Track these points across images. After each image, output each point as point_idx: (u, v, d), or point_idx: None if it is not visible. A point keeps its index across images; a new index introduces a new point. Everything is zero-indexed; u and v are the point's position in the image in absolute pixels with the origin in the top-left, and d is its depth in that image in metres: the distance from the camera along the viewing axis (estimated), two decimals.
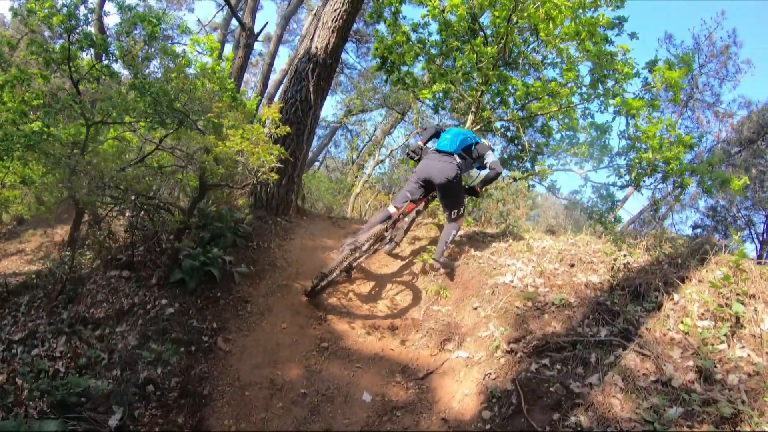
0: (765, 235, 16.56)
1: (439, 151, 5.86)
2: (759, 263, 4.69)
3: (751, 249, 16.41)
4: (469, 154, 5.98)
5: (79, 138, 6.31)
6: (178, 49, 7.01)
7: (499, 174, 6.12)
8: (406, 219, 6.04)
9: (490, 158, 6.06)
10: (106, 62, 6.35)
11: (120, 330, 4.80)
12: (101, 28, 11.75)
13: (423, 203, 6.13)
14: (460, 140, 5.90)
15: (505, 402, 3.87)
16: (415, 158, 6.12)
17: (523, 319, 4.69)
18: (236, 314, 5.13)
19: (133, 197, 5.22)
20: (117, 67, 6.56)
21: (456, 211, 5.89)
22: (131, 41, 6.42)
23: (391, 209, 5.81)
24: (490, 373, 4.26)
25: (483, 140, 6.20)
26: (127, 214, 5.83)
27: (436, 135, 6.24)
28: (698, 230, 16.60)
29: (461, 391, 4.26)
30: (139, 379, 4.09)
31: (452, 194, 5.83)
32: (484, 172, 6.31)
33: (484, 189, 6.68)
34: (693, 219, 18.40)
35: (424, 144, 6.22)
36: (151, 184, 5.58)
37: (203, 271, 5.22)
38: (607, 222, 9.01)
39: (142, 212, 5.74)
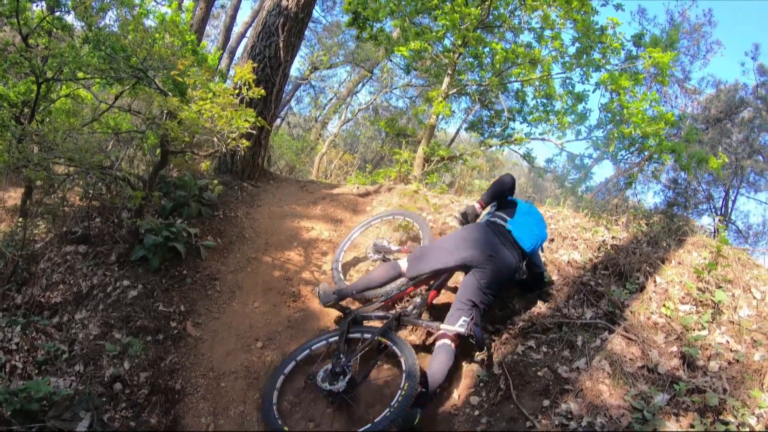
0: (723, 210, 17.10)
1: (510, 234, 4.21)
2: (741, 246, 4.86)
3: (708, 223, 17.03)
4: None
5: (30, 96, 5.81)
6: None
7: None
8: (417, 299, 4.46)
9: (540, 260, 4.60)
10: (58, 14, 5.80)
11: (80, 317, 4.42)
12: None
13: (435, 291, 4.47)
14: (541, 241, 4.39)
15: (493, 387, 3.82)
16: (462, 223, 4.53)
17: (507, 297, 4.58)
18: (205, 294, 4.82)
19: (87, 169, 4.78)
20: (70, 19, 6.02)
21: (472, 319, 3.95)
22: None
23: (402, 265, 4.34)
24: (475, 355, 4.16)
25: None
26: (81, 183, 5.39)
27: (503, 196, 4.57)
28: (673, 207, 16.93)
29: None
30: (105, 377, 3.77)
31: (490, 296, 4.11)
32: None
33: None
34: (654, 189, 18.88)
35: (484, 207, 4.57)
36: (108, 154, 5.15)
37: (167, 247, 4.84)
38: (577, 190, 9.06)
39: (99, 184, 5.32)
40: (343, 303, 4.51)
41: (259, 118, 5.42)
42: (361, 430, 3.42)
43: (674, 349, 3.82)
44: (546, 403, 3.55)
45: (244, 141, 5.04)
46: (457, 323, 3.92)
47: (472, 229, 4.25)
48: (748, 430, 3.13)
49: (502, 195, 4.51)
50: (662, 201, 17.86)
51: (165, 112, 5.06)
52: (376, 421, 3.44)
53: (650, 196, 19.69)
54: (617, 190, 16.79)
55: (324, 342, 4.18)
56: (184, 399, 3.89)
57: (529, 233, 4.20)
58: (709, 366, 3.62)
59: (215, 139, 5.00)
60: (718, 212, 17.32)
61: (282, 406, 3.86)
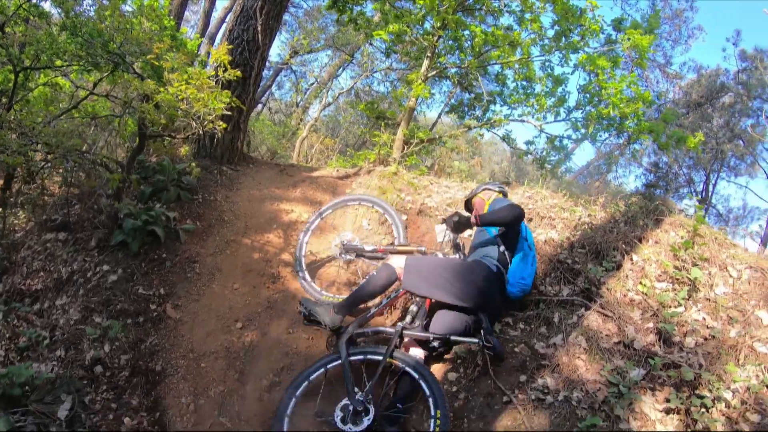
0: (704, 193, 17.38)
1: (506, 290, 4.11)
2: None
3: (689, 205, 17.31)
4: None
5: (8, 86, 5.75)
6: None
7: None
8: (413, 307, 4.18)
9: None
10: (34, 1, 5.71)
11: (60, 303, 4.45)
12: None
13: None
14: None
15: (471, 363, 3.84)
16: (453, 230, 4.23)
17: None
18: (184, 277, 4.84)
19: (65, 154, 4.77)
20: (47, 6, 5.95)
21: (483, 329, 3.69)
22: None
23: (396, 266, 3.98)
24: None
25: None
26: (61, 170, 5.38)
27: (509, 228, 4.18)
28: (653, 189, 17.19)
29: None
30: (86, 360, 3.81)
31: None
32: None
33: None
34: (636, 173, 19.17)
35: (479, 226, 4.21)
36: (85, 139, 5.12)
37: (146, 231, 4.85)
38: (557, 172, 9.16)
39: (77, 169, 5.31)
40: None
41: (234, 99, 5.45)
42: None
43: (650, 325, 3.87)
44: (523, 378, 3.60)
45: (221, 123, 5.06)
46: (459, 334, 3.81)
47: (481, 277, 3.94)
48: (724, 404, 3.17)
49: (508, 227, 4.15)
50: (643, 185, 18.14)
51: (142, 95, 5.05)
52: None
53: (631, 180, 19.99)
54: (599, 173, 17.05)
55: (322, 370, 3.75)
56: (165, 380, 3.94)
57: (521, 291, 4.13)
58: (686, 342, 3.67)
59: (192, 122, 5.01)
60: (699, 196, 17.61)
61: None
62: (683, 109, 17.83)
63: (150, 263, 4.84)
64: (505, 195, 4.65)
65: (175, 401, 3.80)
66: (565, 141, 8.98)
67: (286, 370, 4.08)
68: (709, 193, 17.71)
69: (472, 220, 4.05)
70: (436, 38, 8.15)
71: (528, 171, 20.31)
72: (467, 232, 4.88)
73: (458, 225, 4.10)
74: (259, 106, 19.11)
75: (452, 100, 11.53)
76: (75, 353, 3.89)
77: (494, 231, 4.20)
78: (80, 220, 5.28)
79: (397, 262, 3.97)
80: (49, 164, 5.26)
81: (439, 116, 15.05)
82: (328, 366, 3.75)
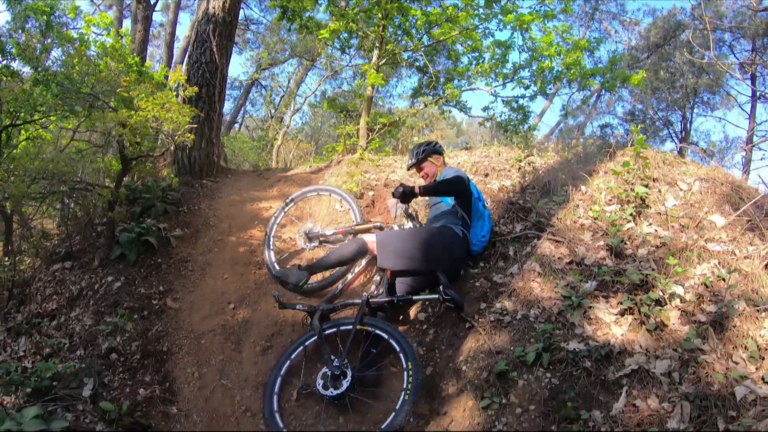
0: (683, 133, 17.56)
1: (470, 247, 4.49)
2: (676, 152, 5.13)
3: (671, 147, 17.51)
4: None
5: None
6: (76, 32, 6.82)
7: None
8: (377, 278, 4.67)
9: None
10: (3, 62, 6.10)
11: (74, 315, 4.97)
12: None
13: None
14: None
15: (436, 303, 4.19)
16: (402, 201, 4.43)
17: None
18: (179, 275, 5.35)
19: (61, 185, 5.28)
20: (16, 65, 6.33)
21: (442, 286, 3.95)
22: (26, 36, 6.15)
23: (368, 240, 4.32)
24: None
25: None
26: (57, 207, 5.86)
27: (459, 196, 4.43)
28: (606, 129, 17.47)
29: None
30: (102, 350, 4.33)
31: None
32: None
33: None
34: (612, 124, 19.34)
35: (422, 195, 4.46)
36: (76, 169, 5.60)
37: (141, 242, 5.40)
38: (521, 132, 9.48)
39: (71, 199, 5.79)
40: (304, 305, 4.34)
41: (194, 108, 5.99)
42: (389, 420, 3.34)
43: (601, 243, 4.10)
44: (483, 306, 3.96)
45: (190, 135, 5.55)
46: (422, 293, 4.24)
47: (449, 242, 4.24)
48: (678, 300, 3.40)
49: (457, 195, 4.41)
50: (609, 129, 18.37)
51: (117, 123, 5.50)
52: (397, 408, 3.37)
53: (608, 132, 20.14)
54: (575, 130, 17.28)
55: (301, 348, 4.03)
56: (172, 357, 4.47)
57: (482, 248, 4.52)
58: (638, 253, 3.88)
59: (163, 137, 5.50)
60: (679, 135, 17.82)
61: (289, 426, 3.71)
62: (644, 54, 18.05)
63: (148, 268, 5.36)
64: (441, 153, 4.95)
65: (181, 372, 4.33)
66: (522, 101, 9.31)
67: (276, 335, 4.58)
68: (688, 132, 17.87)
69: (416, 190, 4.27)
70: (380, 28, 8.57)
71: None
72: (423, 202, 5.34)
73: (404, 195, 4.28)
74: (236, 125, 19.54)
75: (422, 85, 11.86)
76: (92, 349, 4.41)
77: (450, 200, 4.49)
78: (82, 247, 5.84)
79: (369, 237, 4.31)
80: (46, 197, 5.72)
81: (412, 103, 15.47)
82: (306, 343, 4.04)
